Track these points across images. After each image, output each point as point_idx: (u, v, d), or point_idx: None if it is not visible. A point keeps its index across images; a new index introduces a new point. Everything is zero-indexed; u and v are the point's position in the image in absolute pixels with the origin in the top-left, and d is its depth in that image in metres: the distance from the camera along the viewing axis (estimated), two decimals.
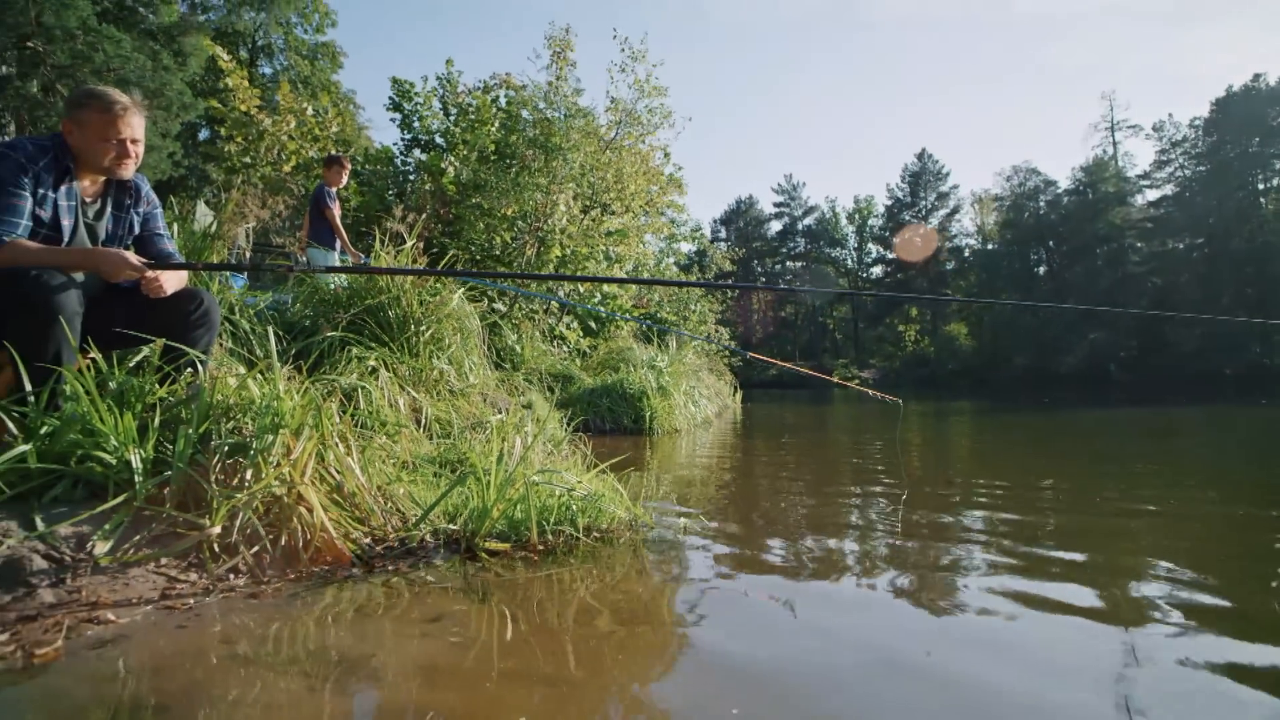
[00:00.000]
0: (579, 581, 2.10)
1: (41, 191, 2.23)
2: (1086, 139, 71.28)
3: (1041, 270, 51.25)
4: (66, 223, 2.31)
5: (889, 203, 62.11)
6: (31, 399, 1.99)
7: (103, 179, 2.42)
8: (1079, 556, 2.46)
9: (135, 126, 2.34)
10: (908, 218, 59.95)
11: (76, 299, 2.17)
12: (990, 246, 55.67)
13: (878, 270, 64.38)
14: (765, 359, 6.01)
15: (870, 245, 64.85)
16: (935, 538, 2.72)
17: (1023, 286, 49.32)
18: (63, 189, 2.29)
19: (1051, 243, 49.08)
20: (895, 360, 56.43)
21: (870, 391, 5.02)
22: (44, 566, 1.68)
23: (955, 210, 59.55)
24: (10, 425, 1.97)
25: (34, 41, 12.23)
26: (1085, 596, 2.01)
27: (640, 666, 1.58)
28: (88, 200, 2.40)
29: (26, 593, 1.61)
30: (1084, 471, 4.94)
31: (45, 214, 2.25)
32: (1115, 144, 48.85)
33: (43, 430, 1.95)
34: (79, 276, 2.26)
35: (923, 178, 60.05)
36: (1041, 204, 50.21)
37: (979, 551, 2.50)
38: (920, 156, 60.46)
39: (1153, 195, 45.03)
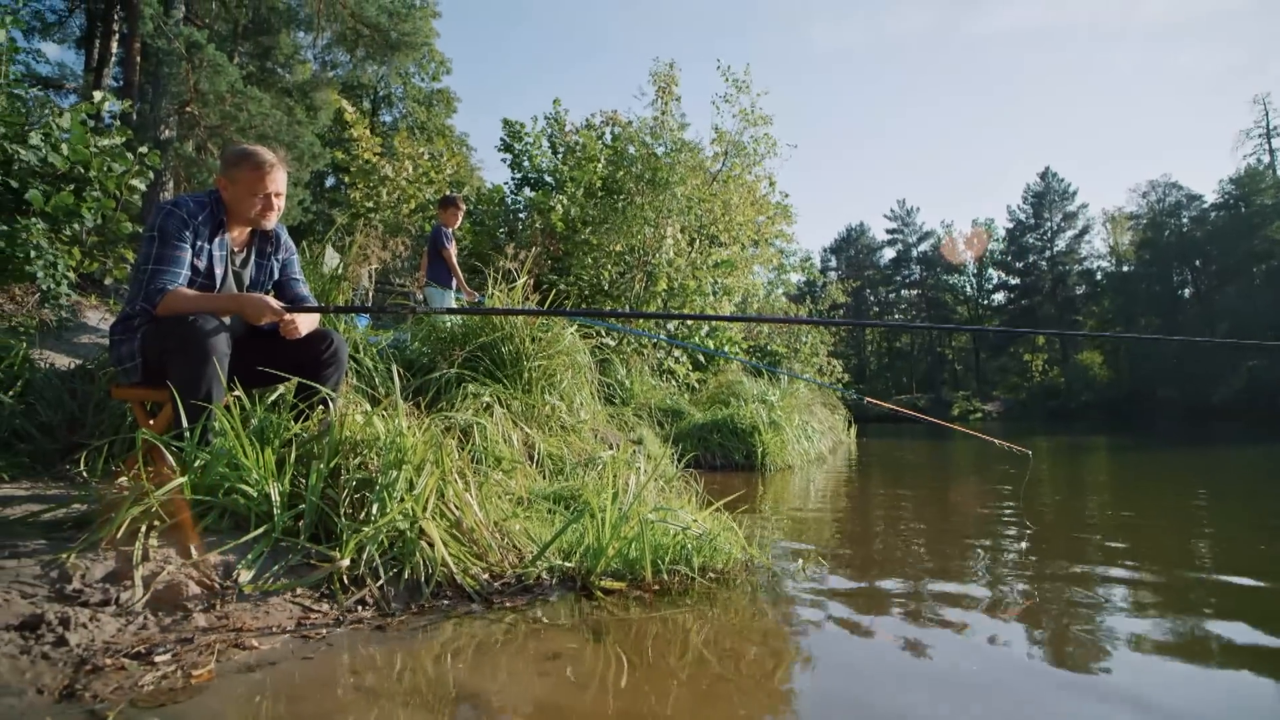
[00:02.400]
0: (694, 623, 2.04)
1: (199, 243, 2.45)
2: (1236, 148, 64.76)
3: (1186, 293, 47.13)
4: (219, 271, 2.52)
5: (1010, 225, 58.97)
6: (187, 434, 2.16)
7: (249, 229, 2.63)
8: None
9: (280, 181, 2.54)
10: (1031, 240, 56.75)
11: (226, 341, 2.35)
12: (1125, 268, 51.78)
13: (999, 297, 61.13)
14: (879, 403, 5.78)
15: (991, 271, 61.75)
16: (1068, 610, 2.36)
17: (1164, 310, 45.44)
18: (216, 240, 2.50)
19: (1198, 262, 45.11)
20: (1021, 392, 52.96)
21: (997, 442, 4.69)
22: (197, 592, 1.80)
23: (1084, 231, 55.80)
24: (169, 459, 2.14)
25: (192, 106, 13.66)
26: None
27: (755, 712, 1.52)
28: (236, 250, 2.61)
29: (184, 616, 1.72)
30: (1247, 531, 4.13)
31: (201, 264, 2.46)
32: (1272, 151, 44.55)
33: (196, 464, 2.10)
34: (226, 320, 2.45)
35: (1047, 197, 56.71)
36: (1185, 220, 46.36)
37: (1116, 655, 1.94)
38: (1044, 175, 57.23)
39: None
